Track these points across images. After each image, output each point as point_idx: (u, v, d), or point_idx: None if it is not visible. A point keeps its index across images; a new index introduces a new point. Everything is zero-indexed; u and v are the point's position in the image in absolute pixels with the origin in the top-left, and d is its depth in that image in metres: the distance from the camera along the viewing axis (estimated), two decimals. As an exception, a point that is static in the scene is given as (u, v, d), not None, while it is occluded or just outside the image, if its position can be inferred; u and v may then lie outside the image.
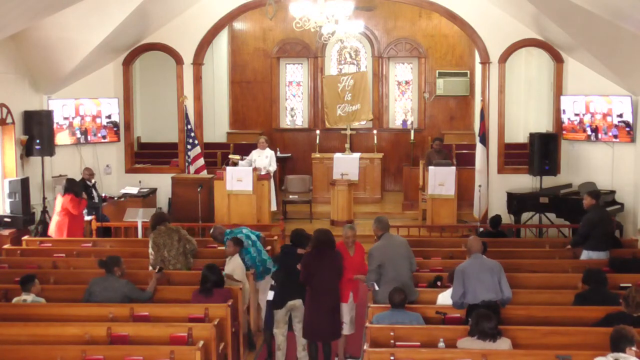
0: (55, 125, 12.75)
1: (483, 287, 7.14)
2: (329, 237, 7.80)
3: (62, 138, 13.14)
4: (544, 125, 14.99)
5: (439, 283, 8.34)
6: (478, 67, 15.28)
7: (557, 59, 13.73)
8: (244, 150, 14.73)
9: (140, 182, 13.78)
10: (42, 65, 12.30)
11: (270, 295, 8.26)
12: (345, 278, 7.89)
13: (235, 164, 13.15)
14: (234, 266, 8.56)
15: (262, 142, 13.63)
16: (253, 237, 9.09)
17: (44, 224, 12.03)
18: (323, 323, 7.69)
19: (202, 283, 7.87)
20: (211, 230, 9.47)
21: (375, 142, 16.43)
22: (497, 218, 11.09)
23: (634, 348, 5.55)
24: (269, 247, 9.70)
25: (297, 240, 8.19)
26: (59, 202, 10.89)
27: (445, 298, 7.61)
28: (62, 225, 10.85)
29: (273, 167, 13.58)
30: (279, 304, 8.02)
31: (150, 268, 8.97)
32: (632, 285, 7.56)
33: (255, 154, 13.49)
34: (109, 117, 13.87)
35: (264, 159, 13.40)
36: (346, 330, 8.03)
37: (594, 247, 9.37)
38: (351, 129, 16.43)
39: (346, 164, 15.26)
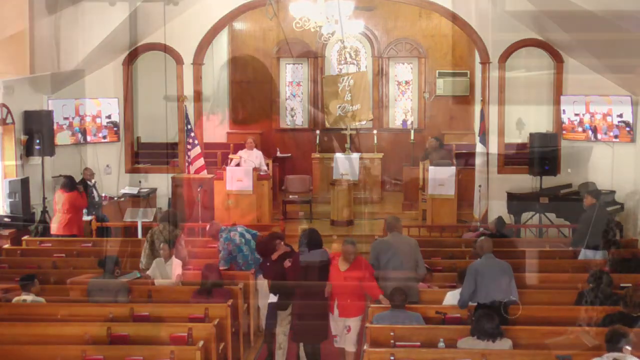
0: (55, 125, 12.75)
1: (495, 287, 7.14)
2: (317, 237, 7.79)
3: (62, 138, 13.13)
4: (544, 125, 14.98)
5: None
6: (478, 67, 15.25)
7: (557, 59, 13.72)
8: (244, 150, 14.74)
9: (140, 182, 13.79)
10: (42, 65, 12.29)
11: (272, 297, 8.25)
12: (334, 292, 7.66)
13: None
14: (168, 270, 8.52)
15: (249, 143, 13.71)
16: (248, 235, 9.11)
17: (44, 224, 12.03)
18: (313, 324, 7.64)
19: (202, 283, 7.87)
20: (207, 227, 9.49)
21: (375, 142, 16.40)
22: (502, 221, 11.00)
23: (629, 347, 5.55)
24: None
25: (265, 251, 8.23)
26: (63, 199, 10.89)
27: (453, 296, 7.60)
28: (72, 222, 10.99)
29: (265, 168, 13.66)
30: (281, 305, 8.01)
31: (141, 265, 8.98)
32: (632, 285, 7.56)
33: (244, 155, 13.49)
34: (109, 117, 13.87)
35: (254, 159, 13.43)
36: (340, 342, 7.76)
37: (590, 245, 9.38)
38: (351, 129, 16.40)
39: (346, 164, 15.25)
